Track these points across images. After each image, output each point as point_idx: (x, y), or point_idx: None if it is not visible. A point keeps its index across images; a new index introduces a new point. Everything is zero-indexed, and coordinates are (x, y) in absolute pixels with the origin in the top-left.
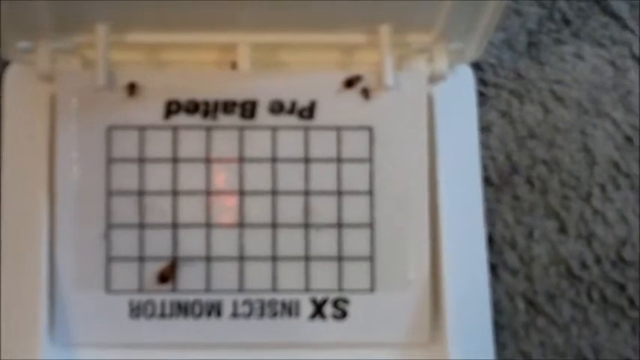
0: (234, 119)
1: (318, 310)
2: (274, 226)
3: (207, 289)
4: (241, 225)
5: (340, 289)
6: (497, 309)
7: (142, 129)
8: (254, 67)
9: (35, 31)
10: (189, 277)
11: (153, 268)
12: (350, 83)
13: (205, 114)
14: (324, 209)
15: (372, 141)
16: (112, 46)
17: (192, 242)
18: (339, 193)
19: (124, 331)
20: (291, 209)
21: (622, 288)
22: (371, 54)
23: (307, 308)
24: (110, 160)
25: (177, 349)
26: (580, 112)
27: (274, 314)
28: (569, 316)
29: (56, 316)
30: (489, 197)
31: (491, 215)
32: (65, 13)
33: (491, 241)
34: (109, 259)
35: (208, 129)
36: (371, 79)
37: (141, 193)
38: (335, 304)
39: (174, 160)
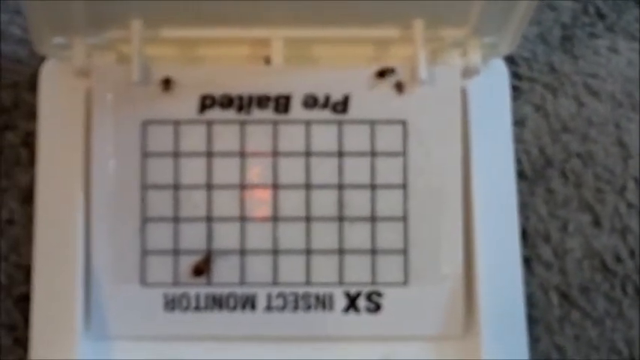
0: (268, 113)
1: (352, 303)
2: (308, 219)
3: (242, 283)
4: (275, 218)
5: (374, 283)
6: (530, 302)
7: (176, 123)
8: (287, 62)
9: (70, 27)
10: (224, 271)
11: (188, 262)
12: (382, 74)
13: (240, 108)
14: (357, 203)
15: (405, 135)
16: (146, 41)
17: (226, 236)
18: (373, 187)
19: (159, 324)
20: (324, 203)
21: None
22: (404, 48)
23: (341, 301)
24: (145, 155)
25: (212, 342)
26: (614, 106)
27: (308, 307)
28: (603, 310)
29: (92, 309)
30: (523, 191)
31: (525, 209)
32: (100, 8)
33: (525, 234)
34: (145, 253)
35: (242, 123)
36: (404, 73)
37: (176, 187)
38: (368, 297)
39: (209, 154)
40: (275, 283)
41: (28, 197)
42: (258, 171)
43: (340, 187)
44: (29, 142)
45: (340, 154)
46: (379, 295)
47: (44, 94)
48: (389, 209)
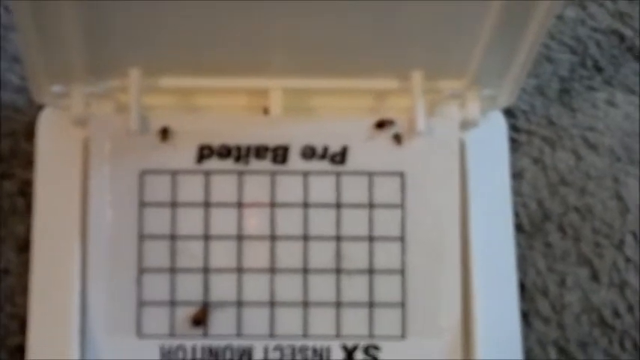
0: (266, 164)
1: (349, 356)
2: (305, 271)
3: (239, 334)
4: (272, 270)
5: (371, 336)
6: (529, 357)
7: (174, 173)
8: (286, 113)
9: (69, 76)
10: (221, 322)
11: (184, 313)
12: (381, 125)
13: (237, 159)
14: (355, 255)
15: (403, 187)
16: (144, 90)
17: (223, 287)
18: (371, 239)
19: None
20: (322, 254)
21: None
22: (403, 100)
23: (338, 354)
24: (143, 204)
25: None
26: (612, 160)
27: None
28: None
29: None
30: (521, 244)
31: (523, 262)
32: (98, 57)
33: (523, 288)
34: (141, 304)
35: (240, 174)
36: (403, 125)
37: (173, 238)
38: (366, 350)
39: (206, 204)
40: (272, 335)
41: (24, 246)
42: (255, 222)
43: (338, 238)
44: (26, 191)
45: (338, 205)
46: (376, 348)
47: (42, 142)
48: (387, 262)
